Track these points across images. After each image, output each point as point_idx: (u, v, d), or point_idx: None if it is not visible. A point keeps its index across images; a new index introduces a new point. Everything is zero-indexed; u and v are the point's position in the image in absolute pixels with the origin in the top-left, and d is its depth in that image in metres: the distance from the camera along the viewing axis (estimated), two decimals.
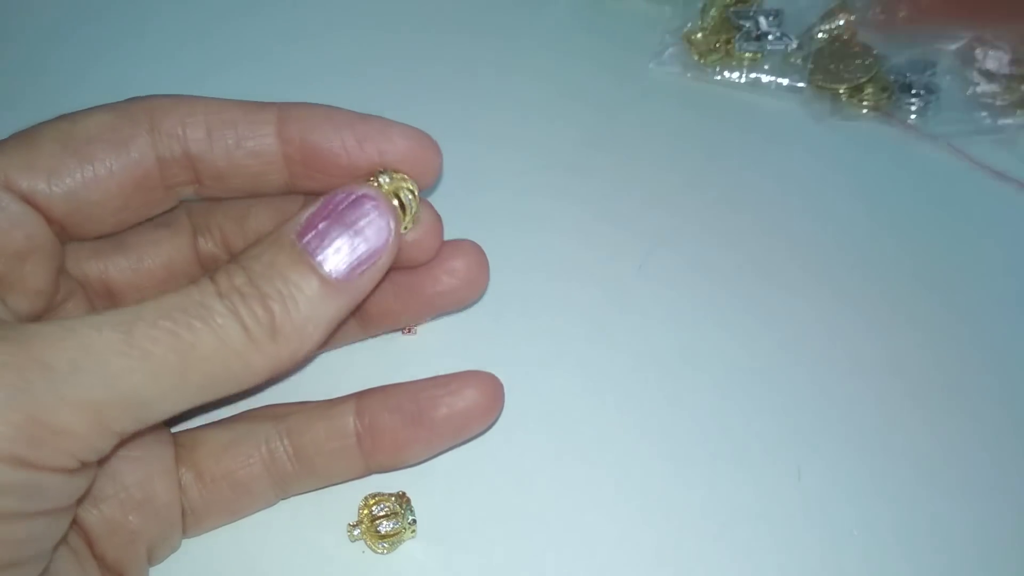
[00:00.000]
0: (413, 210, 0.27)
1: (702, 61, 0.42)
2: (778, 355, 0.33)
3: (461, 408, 0.28)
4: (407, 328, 0.33)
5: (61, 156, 0.25)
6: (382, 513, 0.28)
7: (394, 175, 0.26)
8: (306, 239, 0.24)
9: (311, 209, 0.24)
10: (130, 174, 0.25)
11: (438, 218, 0.28)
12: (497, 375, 0.30)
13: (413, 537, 0.29)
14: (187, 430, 0.28)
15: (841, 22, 0.43)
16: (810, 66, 0.42)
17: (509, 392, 0.30)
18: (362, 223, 0.24)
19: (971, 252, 0.37)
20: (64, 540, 0.24)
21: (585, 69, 0.43)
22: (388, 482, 0.30)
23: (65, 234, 0.26)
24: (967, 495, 0.30)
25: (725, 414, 0.32)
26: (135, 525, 0.26)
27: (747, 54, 0.42)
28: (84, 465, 0.21)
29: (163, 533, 0.27)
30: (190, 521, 0.27)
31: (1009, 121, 0.40)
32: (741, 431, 0.31)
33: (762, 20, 0.43)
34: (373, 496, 0.29)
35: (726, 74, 0.42)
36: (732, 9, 0.43)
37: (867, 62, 0.41)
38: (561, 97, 0.41)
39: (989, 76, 0.41)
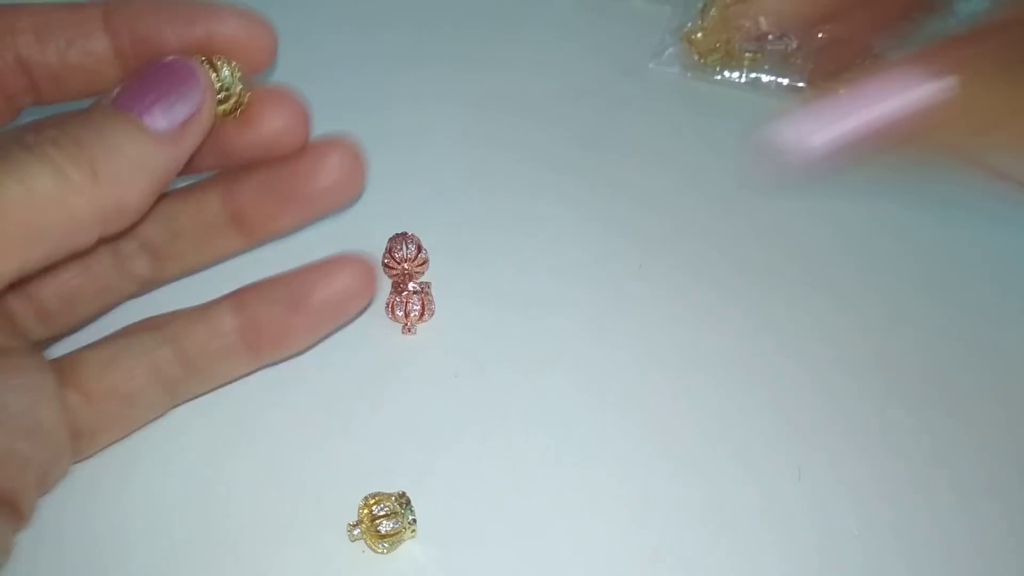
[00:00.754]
0: (229, 83, 0.26)
1: (702, 61, 0.42)
2: (778, 355, 0.33)
3: (337, 290, 0.29)
4: (406, 328, 0.33)
5: None
6: (382, 513, 0.28)
7: (214, 57, 0.26)
8: (120, 100, 0.24)
9: (124, 78, 0.25)
10: None
11: (301, 103, 0.28)
12: (497, 375, 0.30)
13: (413, 537, 0.29)
14: (66, 355, 0.28)
15: None
16: (810, 66, 0.42)
17: (510, 392, 0.30)
18: (174, 81, 0.25)
19: (971, 251, 0.37)
20: None
21: (584, 69, 0.43)
22: (388, 482, 0.30)
23: None
24: (967, 495, 0.30)
25: (725, 414, 0.32)
26: (26, 452, 0.26)
27: (747, 54, 0.42)
28: None
29: (53, 459, 0.27)
30: (84, 442, 0.28)
31: None
32: (741, 431, 0.31)
33: (762, 20, 0.43)
34: (373, 496, 0.29)
35: (726, 74, 0.42)
36: (732, 9, 0.43)
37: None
38: (560, 97, 0.41)
39: None
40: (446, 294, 0.34)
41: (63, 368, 0.28)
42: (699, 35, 0.43)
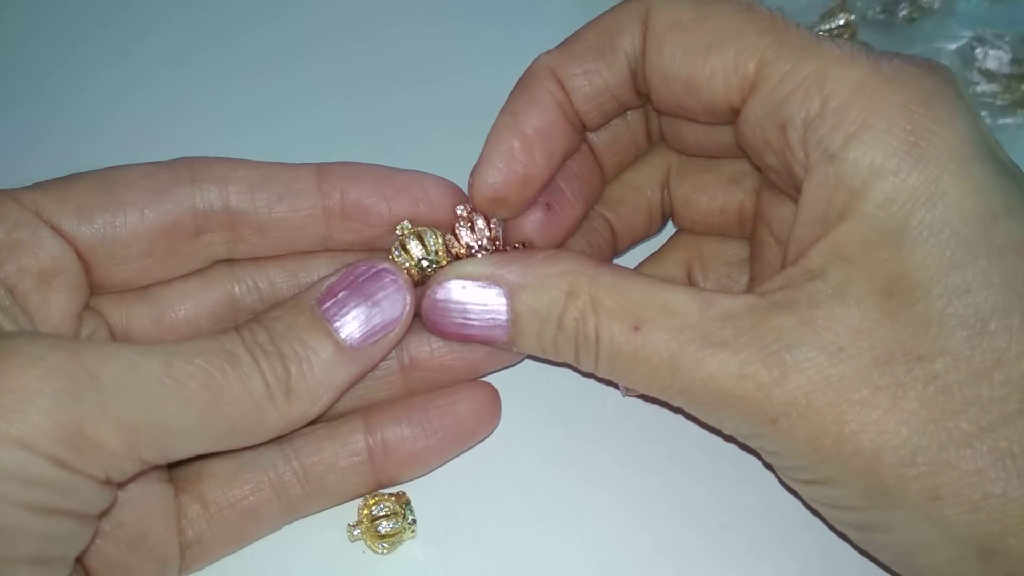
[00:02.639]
0: (435, 252, 0.28)
1: None
2: None
3: (470, 417, 0.29)
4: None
5: (94, 194, 0.26)
6: (382, 513, 0.28)
7: (419, 228, 0.28)
8: (325, 305, 0.25)
9: (332, 278, 0.26)
10: (161, 219, 0.26)
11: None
12: (497, 375, 0.30)
13: (413, 537, 0.29)
14: (191, 463, 0.28)
15: (841, 21, 0.42)
16: None
17: (510, 393, 0.30)
18: (379, 295, 0.26)
19: None
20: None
21: None
22: None
23: (91, 278, 0.26)
24: None
25: None
26: (131, 562, 0.26)
27: None
28: (109, 482, 0.22)
29: (158, 570, 0.27)
30: (195, 553, 0.27)
31: (1009, 121, 0.40)
32: None
33: None
34: (373, 496, 0.29)
35: None
36: None
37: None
38: None
39: (989, 76, 0.41)
40: None
41: (187, 477, 0.27)
42: None
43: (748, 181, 0.30)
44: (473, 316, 0.27)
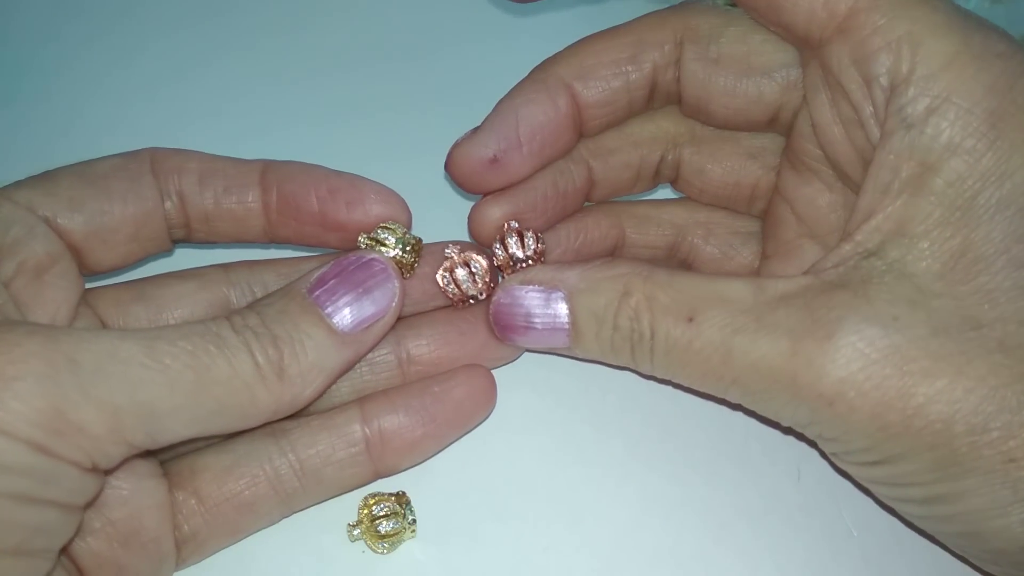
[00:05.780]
0: (411, 261, 0.28)
1: None
2: None
3: (466, 402, 0.30)
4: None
5: (80, 186, 0.27)
6: (382, 513, 0.28)
7: (391, 225, 0.28)
8: (316, 293, 0.26)
9: (323, 268, 0.26)
10: (141, 204, 0.27)
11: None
12: (497, 375, 0.30)
13: (413, 537, 0.29)
14: (185, 457, 0.28)
15: None
16: None
17: (510, 392, 0.31)
18: (370, 283, 0.26)
19: None
20: (60, 567, 0.24)
21: None
22: (388, 482, 0.30)
23: (83, 264, 0.27)
24: None
25: (725, 414, 0.32)
26: (123, 559, 0.26)
27: None
28: (95, 468, 0.22)
29: (152, 566, 0.27)
30: (191, 548, 0.27)
31: None
32: (741, 431, 0.31)
33: None
34: (373, 496, 0.29)
35: None
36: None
37: None
38: None
39: None
40: None
41: (181, 471, 0.27)
42: None
43: (767, 157, 0.30)
44: (536, 320, 0.28)
